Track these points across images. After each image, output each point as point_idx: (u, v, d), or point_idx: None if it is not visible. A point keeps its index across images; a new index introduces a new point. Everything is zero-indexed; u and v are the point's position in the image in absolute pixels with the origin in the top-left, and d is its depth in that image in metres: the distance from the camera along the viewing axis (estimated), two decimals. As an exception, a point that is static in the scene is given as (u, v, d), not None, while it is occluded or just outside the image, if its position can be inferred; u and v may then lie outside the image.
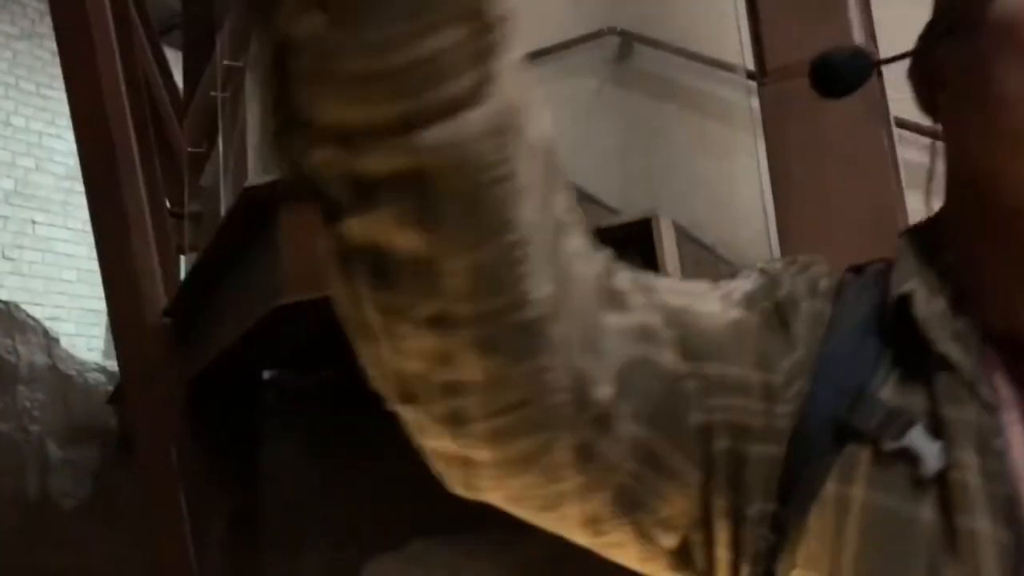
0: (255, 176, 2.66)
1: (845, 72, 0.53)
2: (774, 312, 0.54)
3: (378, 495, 3.34)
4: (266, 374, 4.01)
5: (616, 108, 2.80)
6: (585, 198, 2.34)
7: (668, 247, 1.88)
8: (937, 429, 0.47)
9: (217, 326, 3.02)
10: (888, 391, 0.49)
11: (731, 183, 2.39)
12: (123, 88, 3.56)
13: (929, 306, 0.50)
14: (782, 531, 0.49)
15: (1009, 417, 0.46)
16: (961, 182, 0.53)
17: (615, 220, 2.03)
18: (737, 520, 0.50)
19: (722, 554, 0.51)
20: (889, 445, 0.47)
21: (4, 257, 8.16)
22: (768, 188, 1.91)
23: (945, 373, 0.48)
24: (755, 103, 2.10)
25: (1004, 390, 0.47)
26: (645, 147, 2.67)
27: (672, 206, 2.21)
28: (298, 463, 3.76)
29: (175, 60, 4.83)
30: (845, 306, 0.54)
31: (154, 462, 3.48)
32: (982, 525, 0.44)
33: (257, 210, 2.43)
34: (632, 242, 1.99)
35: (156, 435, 3.47)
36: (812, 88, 0.55)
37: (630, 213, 2.06)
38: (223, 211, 3.05)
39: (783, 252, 1.88)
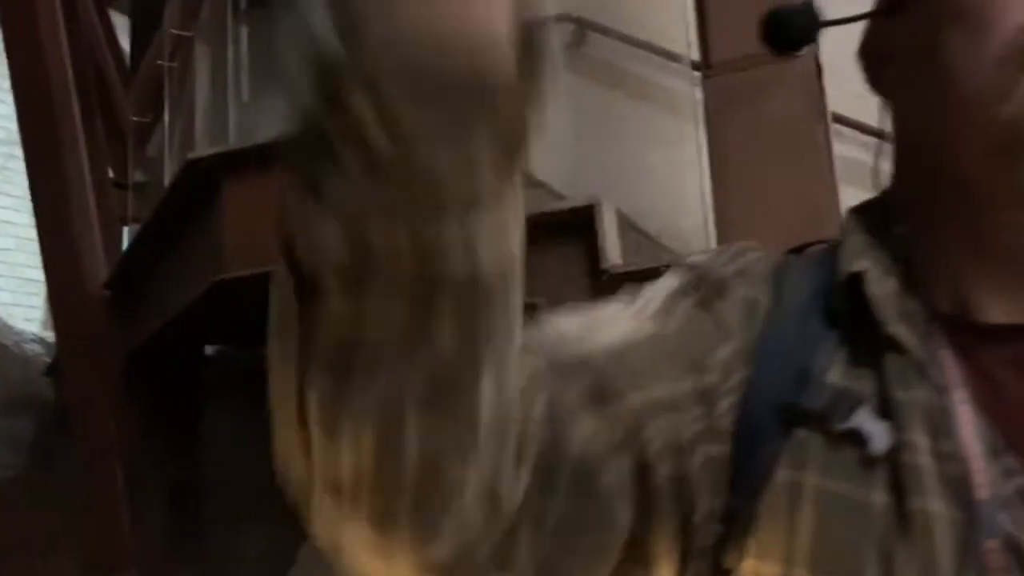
0: (200, 147, 2.63)
1: (794, 25, 0.53)
2: (701, 306, 0.51)
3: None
4: (209, 349, 3.97)
5: (567, 94, 2.82)
6: (532, 182, 2.36)
7: (610, 235, 1.91)
8: (886, 411, 0.46)
9: (159, 299, 2.98)
10: (836, 373, 0.48)
11: (676, 173, 2.42)
12: (66, 52, 3.47)
13: (881, 285, 0.49)
14: (733, 521, 0.47)
15: (958, 397, 0.46)
16: (910, 158, 0.53)
17: (559, 205, 2.06)
18: (686, 530, 0.48)
19: (666, 553, 0.48)
20: (837, 426, 0.46)
21: (-61, 222, 7.91)
22: (708, 178, 1.95)
23: (894, 354, 0.47)
24: (698, 93, 2.13)
25: (953, 371, 0.47)
26: (594, 134, 2.70)
27: (618, 194, 2.23)
28: (240, 438, 3.73)
29: (122, 26, 4.71)
30: (786, 288, 0.52)
31: (91, 435, 3.43)
32: (934, 505, 0.44)
33: (201, 182, 2.40)
34: (575, 228, 2.01)
35: (94, 408, 3.41)
36: (761, 42, 0.53)
37: (574, 199, 2.08)
38: (167, 183, 3.01)
39: (720, 242, 1.93)
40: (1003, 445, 0.45)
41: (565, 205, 2.04)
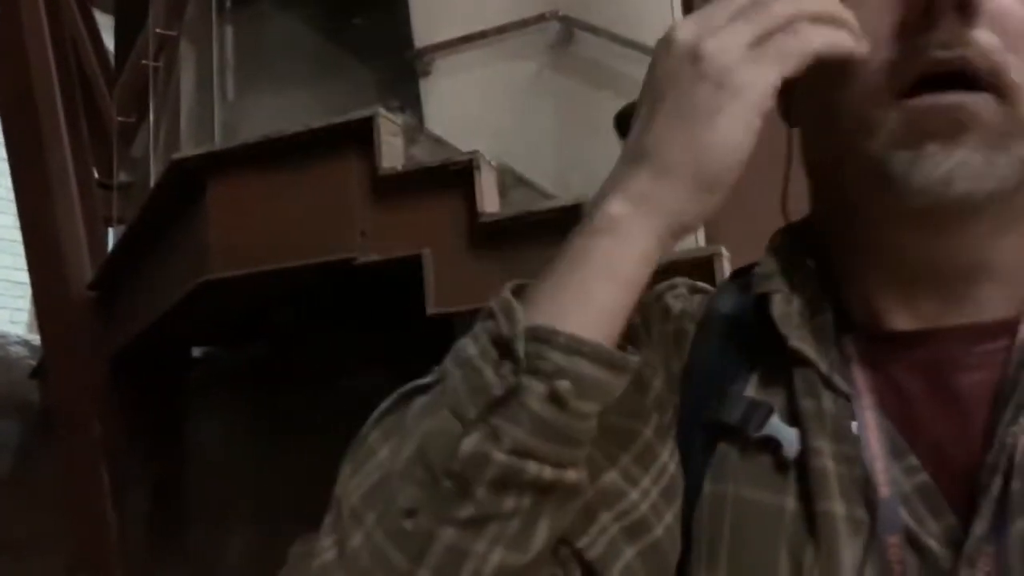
0: (186, 147, 2.61)
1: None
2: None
3: (306, 471, 3.32)
4: (195, 350, 3.95)
5: (555, 93, 2.81)
6: (520, 182, 2.36)
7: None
8: (796, 420, 0.49)
9: (144, 300, 2.96)
10: (751, 388, 0.52)
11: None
12: (50, 52, 3.44)
13: (787, 305, 0.52)
14: (685, 537, 0.50)
15: (865, 403, 0.49)
16: (813, 181, 0.55)
17: (549, 204, 2.06)
18: None
19: None
20: (753, 435, 0.49)
21: (-78, 223, 7.83)
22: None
23: (802, 368, 0.50)
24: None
25: (860, 379, 0.50)
26: (582, 133, 2.69)
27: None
28: (224, 438, 3.71)
29: (107, 25, 4.68)
30: (713, 314, 0.56)
31: (76, 437, 3.41)
32: (836, 507, 0.47)
33: (186, 182, 2.39)
34: (567, 226, 2.01)
35: (79, 409, 3.39)
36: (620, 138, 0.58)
37: (564, 198, 2.08)
38: (153, 183, 2.99)
39: (708, 239, 1.93)
40: (906, 445, 0.48)
41: (554, 204, 2.03)
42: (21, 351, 5.18)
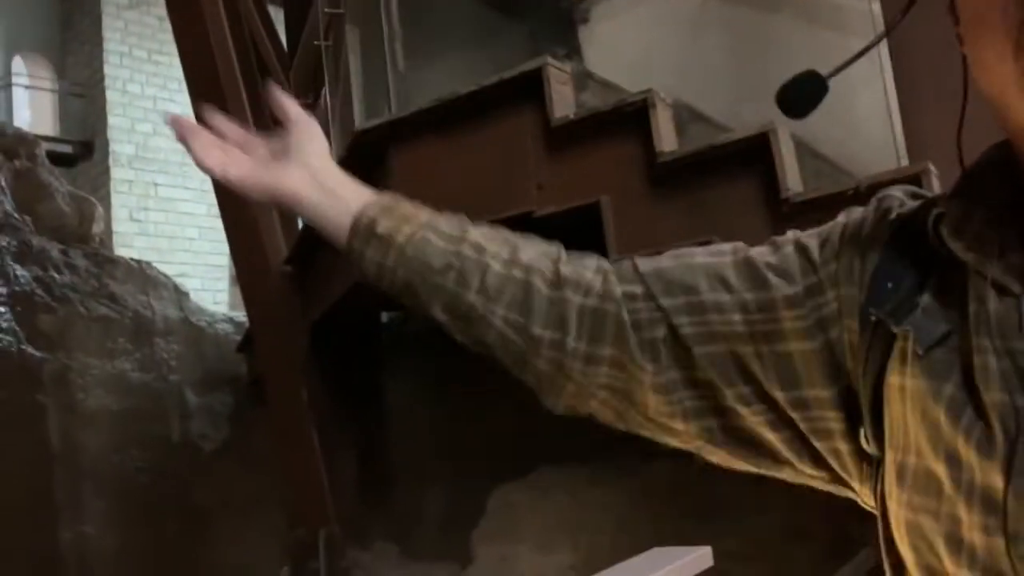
0: (362, 120, 2.71)
1: (802, 94, 0.60)
2: (812, 249, 0.65)
3: (503, 427, 3.42)
4: (384, 316, 4.13)
5: (722, 23, 2.70)
6: (697, 117, 2.28)
7: (788, 162, 1.81)
8: (964, 321, 0.55)
9: (336, 271, 3.12)
10: (929, 292, 0.58)
11: (849, 93, 2.28)
12: (231, 47, 3.66)
13: (965, 220, 0.57)
14: (854, 413, 0.60)
15: None
16: (990, 105, 0.58)
17: (730, 136, 1.97)
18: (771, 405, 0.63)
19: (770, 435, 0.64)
20: (894, 327, 0.57)
21: (132, 219, 8.62)
22: (894, 94, 1.81)
23: (974, 275, 0.55)
24: (876, 7, 1.99)
25: None
26: (754, 62, 2.57)
27: (786, 122, 2.13)
28: (422, 399, 3.87)
29: (276, 16, 4.93)
30: (913, 222, 0.62)
31: (285, 403, 3.66)
32: (998, 397, 0.51)
33: (369, 152, 2.47)
34: (748, 159, 1.93)
35: (285, 378, 3.63)
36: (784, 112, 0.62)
37: (744, 129, 1.99)
38: (335, 158, 3.12)
39: (911, 159, 1.79)
40: None
41: (736, 136, 1.95)
42: (227, 327, 5.61)
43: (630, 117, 2.04)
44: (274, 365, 3.71)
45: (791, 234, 0.68)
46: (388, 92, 2.85)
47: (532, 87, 2.19)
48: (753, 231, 1.94)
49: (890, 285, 0.60)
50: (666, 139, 2.01)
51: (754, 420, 0.64)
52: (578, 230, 2.32)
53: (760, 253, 0.67)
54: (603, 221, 2.12)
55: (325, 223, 0.76)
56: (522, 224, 2.29)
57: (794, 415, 0.63)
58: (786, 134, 1.84)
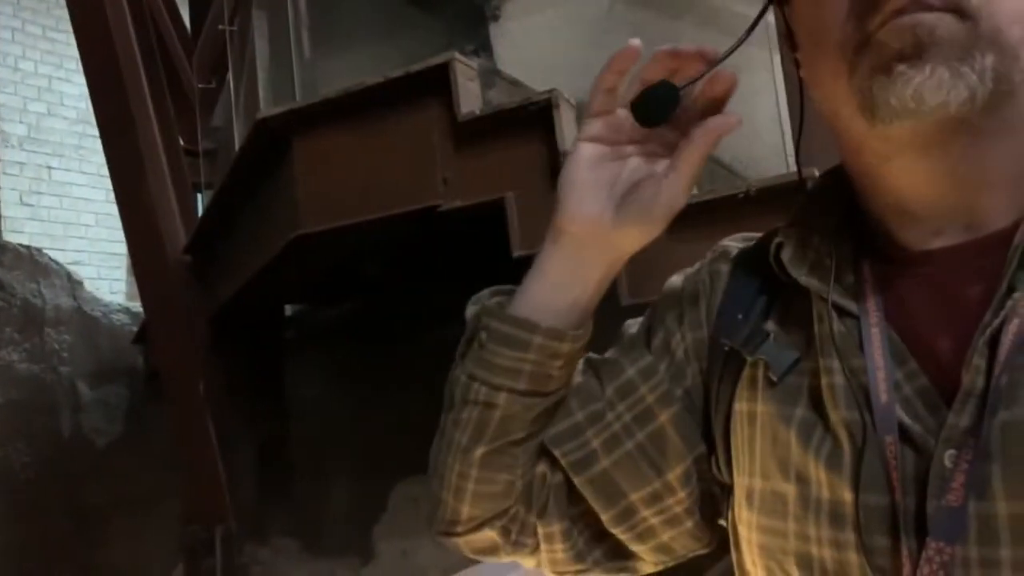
0: (265, 108, 2.65)
1: (655, 101, 0.61)
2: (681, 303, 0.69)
3: (406, 421, 3.40)
4: (288, 309, 4.06)
5: (628, 26, 2.75)
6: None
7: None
8: (810, 343, 0.57)
9: (237, 261, 3.05)
10: (774, 319, 0.61)
11: (748, 100, 2.36)
12: (131, 27, 3.53)
13: (801, 247, 0.59)
14: (711, 445, 0.63)
15: (872, 320, 0.55)
16: (828, 123, 0.61)
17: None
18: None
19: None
20: (748, 357, 0.59)
21: (23, 203, 8.20)
22: (784, 102, 1.88)
23: (817, 299, 0.58)
24: (771, 17, 2.06)
25: (871, 299, 0.56)
26: (659, 66, 2.63)
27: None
28: (322, 393, 3.83)
29: (180, -4, 4.78)
30: (753, 256, 0.65)
31: (182, 397, 3.56)
32: (844, 415, 0.54)
33: (271, 141, 2.43)
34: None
35: (183, 371, 3.53)
36: (635, 120, 0.62)
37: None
38: (237, 146, 3.06)
39: (799, 164, 1.87)
40: (908, 354, 0.54)
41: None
42: (123, 318, 5.42)
43: (534, 116, 2.07)
44: (171, 357, 3.60)
45: (626, 325, 0.72)
46: (289, 80, 2.81)
47: (439, 81, 2.19)
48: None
49: (740, 316, 0.62)
50: (569, 138, 2.04)
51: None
52: (482, 224, 2.33)
53: (609, 353, 0.70)
54: (507, 217, 2.15)
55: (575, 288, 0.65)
56: (429, 220, 2.29)
57: (647, 512, 0.65)
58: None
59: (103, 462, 4.91)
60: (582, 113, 2.37)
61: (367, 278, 3.41)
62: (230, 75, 3.49)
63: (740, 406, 0.60)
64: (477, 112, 2.15)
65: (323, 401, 3.84)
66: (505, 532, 0.66)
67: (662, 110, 0.59)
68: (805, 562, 0.54)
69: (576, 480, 0.65)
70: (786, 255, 0.59)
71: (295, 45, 2.87)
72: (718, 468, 0.62)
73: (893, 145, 0.53)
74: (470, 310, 0.65)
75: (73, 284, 5.32)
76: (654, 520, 0.64)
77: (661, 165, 0.60)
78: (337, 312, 3.92)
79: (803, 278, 0.58)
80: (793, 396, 0.57)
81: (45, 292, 5.12)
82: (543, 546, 0.66)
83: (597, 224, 0.60)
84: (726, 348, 0.61)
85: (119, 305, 5.62)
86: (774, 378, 0.57)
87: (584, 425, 0.65)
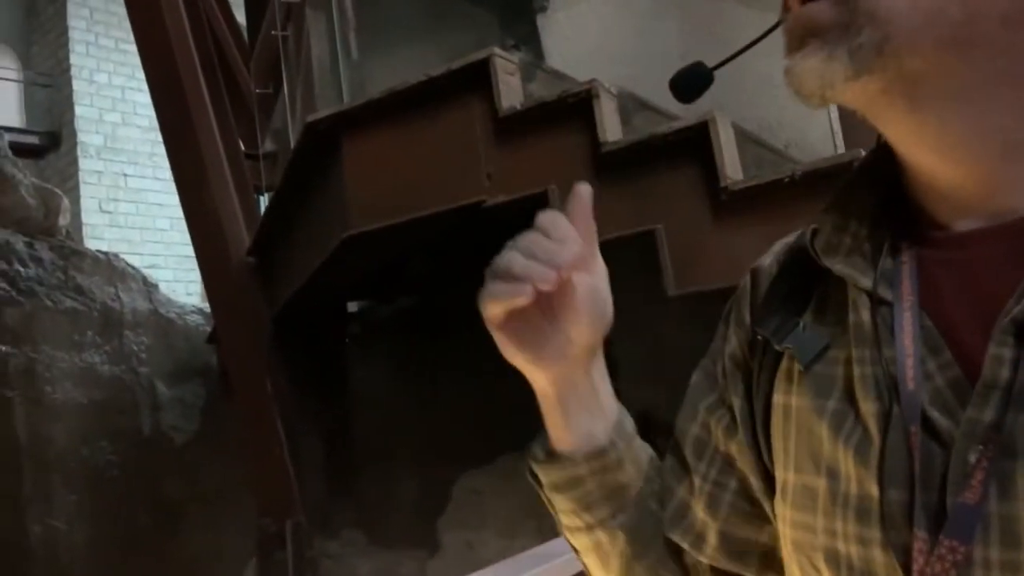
0: (319, 110, 2.70)
1: (691, 81, 0.62)
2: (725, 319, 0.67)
3: (467, 413, 3.43)
4: (351, 306, 4.13)
5: (677, 11, 2.71)
6: (643, 106, 2.29)
7: (727, 149, 1.83)
8: (844, 333, 0.56)
9: (296, 262, 3.12)
10: (811, 310, 0.59)
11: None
12: (190, 37, 3.63)
13: (836, 234, 0.58)
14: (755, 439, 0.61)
15: (906, 306, 0.54)
16: None
17: (671, 126, 1.99)
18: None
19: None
20: (776, 346, 0.58)
21: (101, 210, 8.53)
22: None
23: (852, 287, 0.56)
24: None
25: (907, 285, 0.55)
26: (708, 50, 2.58)
27: (741, 108, 2.14)
28: (383, 387, 3.88)
29: (236, 2, 4.88)
30: (794, 249, 0.64)
31: (249, 394, 3.66)
32: (872, 405, 0.53)
33: (322, 143, 2.47)
34: (689, 148, 1.95)
35: (249, 369, 3.63)
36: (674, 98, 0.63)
37: (688, 118, 2.01)
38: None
39: (847, 146, 1.82)
40: (942, 343, 0.52)
41: (675, 126, 1.96)
42: (198, 319, 5.59)
43: (575, 107, 2.05)
44: (238, 356, 3.70)
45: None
46: (340, 82, 2.85)
47: (480, 77, 2.19)
48: (694, 218, 1.96)
49: (775, 305, 0.61)
50: (610, 129, 2.02)
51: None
52: (528, 218, 2.33)
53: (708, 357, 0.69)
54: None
55: (563, 424, 0.64)
56: (473, 212, 2.30)
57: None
58: (726, 123, 1.86)
59: (181, 458, 5.08)
60: (624, 103, 2.35)
61: (421, 274, 3.44)
62: (285, 79, 3.56)
63: (777, 398, 0.59)
64: (518, 106, 2.15)
65: (386, 395, 3.90)
66: None
67: (696, 89, 0.63)
68: (833, 558, 0.54)
69: (702, 558, 0.64)
70: (819, 242, 0.58)
71: (341, 46, 2.92)
72: (769, 461, 0.62)
73: (869, 111, 0.52)
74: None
75: (149, 287, 5.52)
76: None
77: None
78: (397, 308, 3.97)
79: (837, 266, 0.57)
80: (827, 388, 0.56)
81: (123, 296, 5.32)
82: None
83: (547, 360, 0.60)
84: (760, 338, 0.61)
85: (193, 307, 5.80)
86: (801, 367, 0.57)
87: (687, 499, 0.65)
